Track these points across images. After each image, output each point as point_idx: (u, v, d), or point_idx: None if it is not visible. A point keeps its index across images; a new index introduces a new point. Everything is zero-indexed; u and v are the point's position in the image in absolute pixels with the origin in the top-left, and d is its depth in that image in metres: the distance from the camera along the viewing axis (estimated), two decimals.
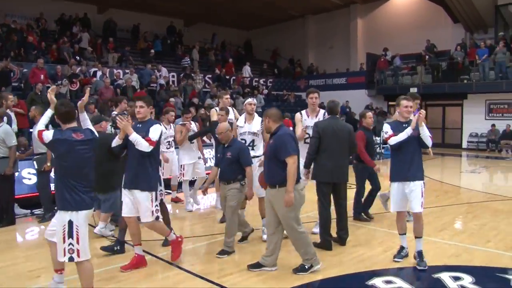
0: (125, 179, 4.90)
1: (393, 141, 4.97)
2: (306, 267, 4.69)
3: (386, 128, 5.12)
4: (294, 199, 4.46)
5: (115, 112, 7.91)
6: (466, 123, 20.09)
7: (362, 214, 7.05)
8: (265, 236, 5.65)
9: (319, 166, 5.60)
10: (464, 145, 20.01)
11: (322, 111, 6.17)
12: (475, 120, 19.67)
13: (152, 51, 20.02)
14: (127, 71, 16.88)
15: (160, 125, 5.01)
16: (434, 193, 9.49)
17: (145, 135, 4.69)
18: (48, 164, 7.03)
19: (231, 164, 5.38)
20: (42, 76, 13.60)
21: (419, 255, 4.94)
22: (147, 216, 4.78)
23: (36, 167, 7.25)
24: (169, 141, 8.03)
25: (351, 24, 25.83)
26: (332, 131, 5.58)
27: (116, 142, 4.84)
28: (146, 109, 4.90)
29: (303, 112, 6.22)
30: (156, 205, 4.87)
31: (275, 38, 27.87)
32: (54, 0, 20.01)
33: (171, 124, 7.98)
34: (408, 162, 4.94)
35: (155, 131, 4.75)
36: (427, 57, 20.70)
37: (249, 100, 6.47)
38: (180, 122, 7.95)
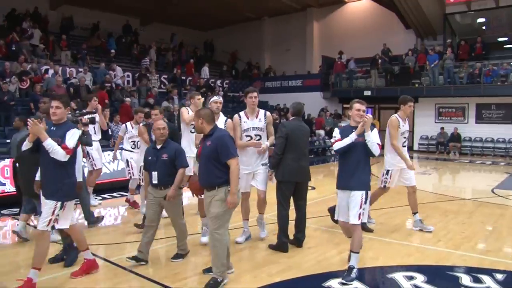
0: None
1: (336, 146, 4.81)
2: (219, 280, 4.39)
3: (335, 133, 4.94)
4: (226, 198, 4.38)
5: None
6: (417, 126, 20.78)
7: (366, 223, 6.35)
8: (204, 239, 5.80)
9: (286, 166, 5.60)
10: (415, 147, 20.70)
11: (262, 112, 5.92)
12: (425, 123, 20.39)
13: (113, 50, 19.63)
14: (80, 69, 16.44)
15: (78, 129, 4.59)
16: (387, 195, 9.69)
17: (61, 140, 4.28)
18: None
19: (168, 167, 5.11)
20: None
21: (349, 270, 4.63)
22: (43, 223, 4.33)
23: None
24: (134, 141, 8.09)
25: (307, 27, 26.22)
26: (299, 132, 5.71)
27: (26, 145, 4.33)
28: (62, 110, 4.46)
29: (242, 113, 5.87)
30: (58, 215, 4.37)
31: (233, 40, 27.90)
32: None
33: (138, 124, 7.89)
34: (351, 170, 4.74)
35: (72, 137, 4.35)
36: (379, 60, 21.28)
37: (215, 98, 5.92)
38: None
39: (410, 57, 20.76)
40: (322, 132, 19.95)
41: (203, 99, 6.62)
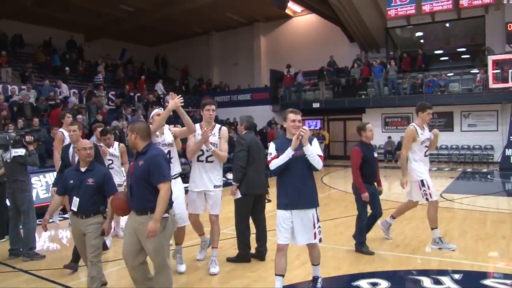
0: None
1: (273, 165, 4.23)
2: None
3: (271, 148, 4.34)
4: (165, 228, 3.90)
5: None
6: None
7: (366, 245, 6.07)
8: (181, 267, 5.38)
9: (249, 179, 5.55)
10: None
11: (217, 126, 5.53)
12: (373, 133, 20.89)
13: (67, 68, 19.10)
14: (23, 87, 15.79)
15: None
16: (343, 204, 9.96)
17: None
18: None
19: (93, 193, 4.40)
20: None
21: (314, 281, 4.63)
22: None
23: None
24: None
25: (254, 42, 26.54)
26: (256, 145, 5.72)
27: None
28: None
29: (197, 125, 5.41)
30: None
31: (181, 55, 27.80)
32: None
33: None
34: (297, 187, 4.24)
35: None
36: (325, 72, 21.80)
37: (156, 110, 5.38)
38: (101, 144, 6.96)
39: (355, 69, 21.42)
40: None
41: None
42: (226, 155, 5.43)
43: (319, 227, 4.36)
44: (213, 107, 5.45)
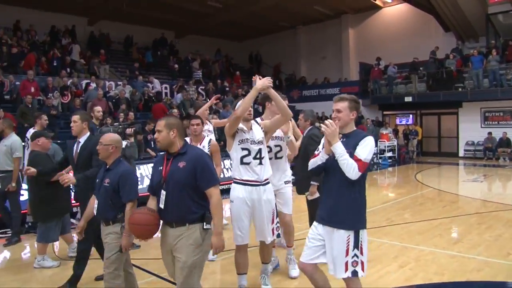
0: None
1: (310, 165, 3.43)
2: None
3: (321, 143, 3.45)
4: (204, 241, 3.26)
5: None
6: (462, 132, 19.98)
7: None
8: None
9: None
10: (461, 153, 19.88)
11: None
12: (471, 128, 19.57)
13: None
14: (119, 83, 16.58)
15: None
16: (440, 204, 9.28)
17: None
18: (13, 184, 6.51)
19: (110, 196, 3.71)
20: (32, 88, 13.26)
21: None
22: None
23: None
24: None
25: (342, 34, 25.80)
26: None
27: None
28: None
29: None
30: None
31: (268, 49, 27.73)
32: (45, 12, 19.74)
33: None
34: (328, 201, 3.29)
35: None
36: (421, 68, 20.59)
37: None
38: None
39: (451, 60, 20.03)
40: None
41: None
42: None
43: (356, 256, 3.17)
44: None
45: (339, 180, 3.17)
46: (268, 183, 4.27)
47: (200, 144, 5.08)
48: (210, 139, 5.24)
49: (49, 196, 5.21)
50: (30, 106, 12.04)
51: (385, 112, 22.78)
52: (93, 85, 15.46)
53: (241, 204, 4.11)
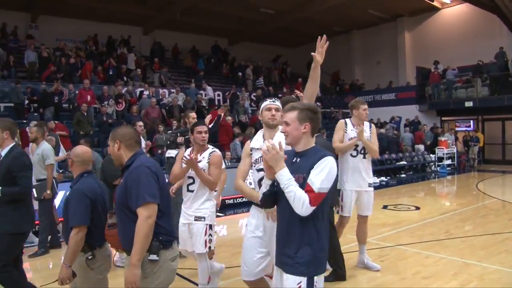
0: None
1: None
2: None
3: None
4: (152, 277, 2.77)
5: None
6: None
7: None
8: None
9: None
10: None
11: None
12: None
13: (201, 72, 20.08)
14: (172, 90, 16.83)
15: None
16: (506, 216, 8.61)
17: None
18: (48, 191, 6.52)
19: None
20: (88, 97, 13.68)
21: None
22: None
23: (35, 195, 6.37)
24: None
25: (398, 38, 25.02)
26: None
27: None
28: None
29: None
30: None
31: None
32: (102, 23, 20.47)
33: None
34: (278, 236, 2.72)
35: None
36: (492, 63, 19.46)
37: (267, 102, 3.82)
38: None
39: None
40: (421, 147, 18.73)
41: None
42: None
43: None
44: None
45: (289, 211, 2.50)
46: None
47: (200, 155, 4.48)
48: (214, 151, 4.52)
49: None
50: (85, 114, 12.39)
51: (443, 118, 21.82)
52: (147, 92, 15.77)
53: None
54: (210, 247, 4.31)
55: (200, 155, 4.42)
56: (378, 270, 5.25)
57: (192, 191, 4.39)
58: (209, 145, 4.57)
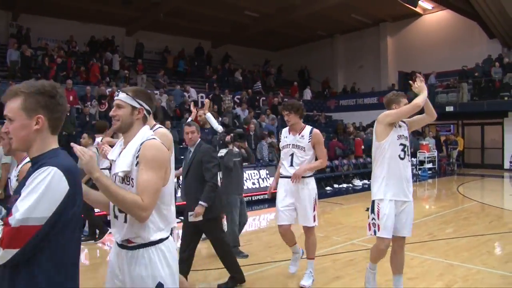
0: None
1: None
2: None
3: None
4: None
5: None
6: (507, 143, 19.10)
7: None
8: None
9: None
10: (506, 165, 18.98)
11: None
12: None
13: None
14: (156, 92, 16.71)
15: None
16: (487, 219, 8.76)
17: None
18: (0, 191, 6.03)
19: None
20: (71, 97, 13.51)
21: None
22: None
23: None
24: None
25: (381, 43, 25.33)
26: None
27: None
28: None
29: None
30: None
31: (304, 58, 27.48)
32: (84, 23, 20.23)
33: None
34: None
35: None
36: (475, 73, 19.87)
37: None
38: None
39: (496, 68, 19.27)
40: None
41: None
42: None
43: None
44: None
45: None
46: None
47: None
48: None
49: None
50: (68, 114, 12.23)
51: None
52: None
53: None
54: None
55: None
56: None
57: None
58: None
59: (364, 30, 25.62)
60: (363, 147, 15.92)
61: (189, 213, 4.44)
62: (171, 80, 19.73)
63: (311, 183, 4.86)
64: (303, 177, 4.72)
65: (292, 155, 4.81)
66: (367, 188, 14.25)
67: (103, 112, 14.25)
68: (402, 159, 4.07)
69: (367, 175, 15.94)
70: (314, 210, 4.79)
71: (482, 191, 14.23)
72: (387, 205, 4.00)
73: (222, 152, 5.91)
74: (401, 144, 4.10)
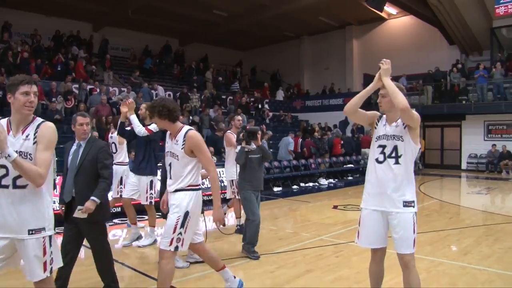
0: None
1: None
2: None
3: None
4: None
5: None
6: (465, 144, 19.92)
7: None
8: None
9: None
10: (464, 166, 19.79)
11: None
12: (474, 141, 19.49)
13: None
14: (123, 89, 16.58)
15: None
16: (447, 215, 9.19)
17: None
18: None
19: None
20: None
21: None
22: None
23: None
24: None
25: (346, 45, 25.89)
26: None
27: None
28: None
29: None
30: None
31: (271, 59, 27.75)
32: (49, 17, 19.79)
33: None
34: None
35: None
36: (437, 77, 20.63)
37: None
38: None
39: (455, 74, 20.06)
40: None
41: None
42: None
43: None
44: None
45: None
46: None
47: None
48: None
49: None
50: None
51: None
52: (98, 90, 15.46)
53: None
54: None
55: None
56: None
57: None
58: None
59: (331, 32, 26.15)
60: (343, 150, 17.21)
61: (78, 207, 3.96)
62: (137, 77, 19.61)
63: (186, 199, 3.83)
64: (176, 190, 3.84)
65: (170, 165, 3.90)
66: (333, 187, 14.64)
67: (69, 109, 14.08)
68: (380, 162, 3.53)
69: (333, 174, 16.32)
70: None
71: (441, 190, 14.79)
72: (365, 215, 3.64)
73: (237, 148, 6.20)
74: (379, 146, 3.55)
